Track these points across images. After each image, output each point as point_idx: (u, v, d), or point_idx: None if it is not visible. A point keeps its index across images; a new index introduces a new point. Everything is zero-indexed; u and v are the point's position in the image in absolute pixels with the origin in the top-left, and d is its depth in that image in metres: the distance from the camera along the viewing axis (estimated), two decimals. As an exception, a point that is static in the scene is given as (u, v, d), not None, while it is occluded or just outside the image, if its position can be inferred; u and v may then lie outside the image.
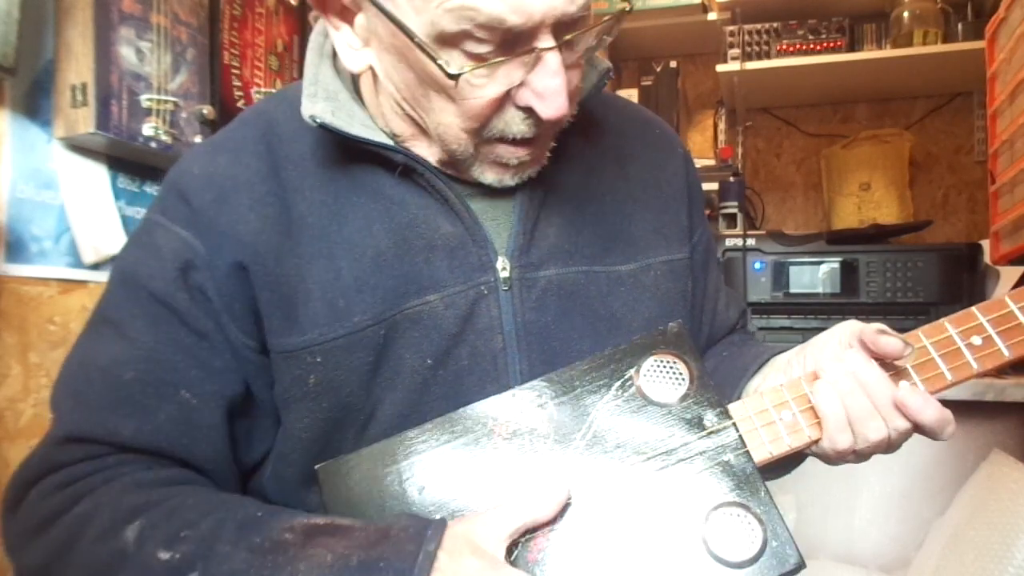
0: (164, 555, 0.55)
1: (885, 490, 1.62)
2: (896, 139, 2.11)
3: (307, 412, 0.67)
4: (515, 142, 0.64)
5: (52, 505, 0.61)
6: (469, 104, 0.60)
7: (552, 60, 0.58)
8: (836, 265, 1.73)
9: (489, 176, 0.68)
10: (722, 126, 2.32)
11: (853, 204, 2.11)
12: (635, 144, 0.81)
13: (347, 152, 0.69)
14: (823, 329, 0.67)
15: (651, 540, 0.57)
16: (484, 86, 0.59)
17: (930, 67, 1.96)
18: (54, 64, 1.25)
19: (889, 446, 0.61)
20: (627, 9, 0.62)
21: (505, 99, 0.61)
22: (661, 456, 0.60)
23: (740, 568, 0.55)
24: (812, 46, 1.99)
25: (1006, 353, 0.60)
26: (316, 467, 0.62)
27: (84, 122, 1.22)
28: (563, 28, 0.58)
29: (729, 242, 1.79)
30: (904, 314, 1.69)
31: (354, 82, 0.73)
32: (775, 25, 2.02)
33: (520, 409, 0.62)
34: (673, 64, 2.15)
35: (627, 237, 0.76)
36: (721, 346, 0.86)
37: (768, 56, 2.02)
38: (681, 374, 0.63)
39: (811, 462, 0.68)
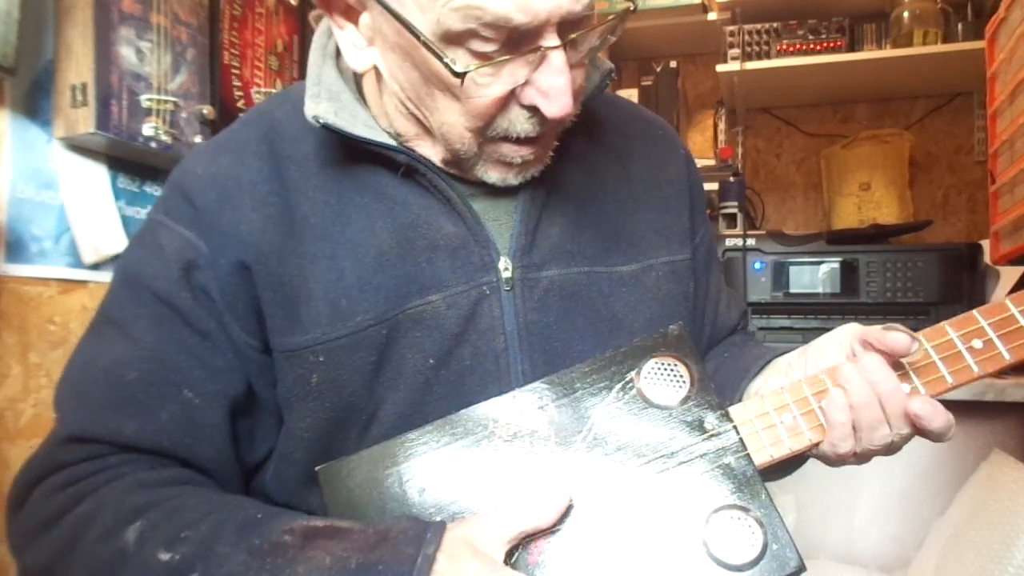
0: (164, 556, 0.55)
1: (885, 490, 1.62)
2: (896, 139, 2.11)
3: (309, 412, 0.67)
4: (519, 141, 0.64)
5: (55, 505, 0.61)
6: (474, 103, 0.60)
7: (557, 59, 0.58)
8: (836, 265, 1.73)
9: (492, 175, 0.68)
10: (722, 126, 2.32)
11: (853, 204, 2.11)
12: (637, 145, 0.81)
13: (350, 152, 0.69)
14: (823, 329, 0.67)
15: (651, 543, 0.57)
16: (489, 85, 0.59)
17: (930, 67, 1.96)
18: (54, 64, 1.25)
19: (890, 449, 0.62)
20: (631, 9, 0.62)
21: (509, 98, 0.61)
22: (661, 459, 0.60)
23: (740, 571, 0.55)
24: (812, 46, 1.98)
25: (1007, 357, 0.60)
26: (316, 469, 0.62)
27: (84, 122, 1.22)
28: (568, 27, 0.58)
29: (729, 242, 1.79)
30: (904, 314, 1.69)
31: (357, 82, 0.73)
32: (775, 25, 2.02)
33: (521, 411, 0.62)
34: (673, 64, 2.15)
35: (629, 238, 0.76)
36: (722, 347, 0.86)
37: (768, 56, 2.02)
38: (682, 376, 0.63)
39: (811, 462, 0.68)
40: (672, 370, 0.63)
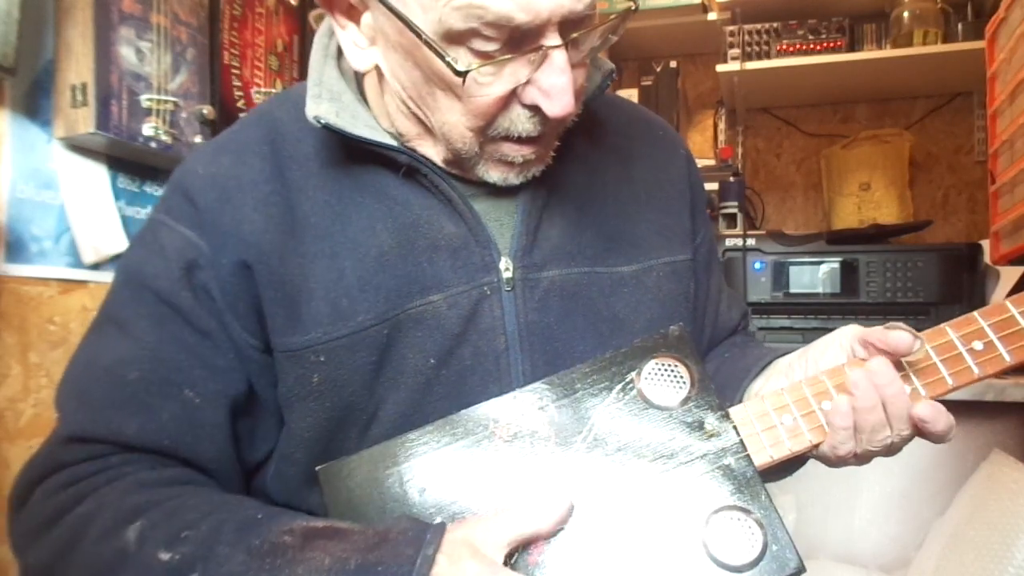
0: (164, 556, 0.55)
1: (885, 490, 1.62)
2: (896, 139, 2.11)
3: (310, 411, 0.67)
4: (520, 140, 0.64)
5: (56, 504, 0.61)
6: (475, 102, 0.61)
7: (559, 58, 0.58)
8: (836, 265, 1.73)
9: (494, 175, 0.68)
10: (722, 126, 2.32)
11: (853, 204, 2.11)
12: (638, 145, 0.81)
13: (351, 153, 0.69)
14: (823, 329, 0.67)
15: (651, 543, 0.57)
16: (491, 84, 0.59)
17: (930, 67, 1.96)
18: (54, 64, 1.25)
19: (890, 450, 0.62)
20: (633, 8, 0.63)
21: (511, 97, 0.61)
22: (662, 459, 0.60)
23: (740, 572, 0.55)
24: (812, 46, 1.98)
25: (1007, 358, 0.60)
26: (317, 468, 0.62)
27: (84, 122, 1.22)
28: (569, 26, 0.58)
29: (729, 242, 1.79)
30: (904, 314, 1.69)
31: (358, 83, 0.73)
32: (775, 25, 2.02)
33: (521, 411, 0.62)
34: (673, 64, 2.15)
35: (630, 238, 0.76)
36: (723, 348, 0.86)
37: (768, 56, 2.02)
38: (682, 377, 0.63)
39: (812, 462, 0.68)
40: (672, 371, 0.63)
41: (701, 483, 0.59)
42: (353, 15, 0.64)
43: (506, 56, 0.58)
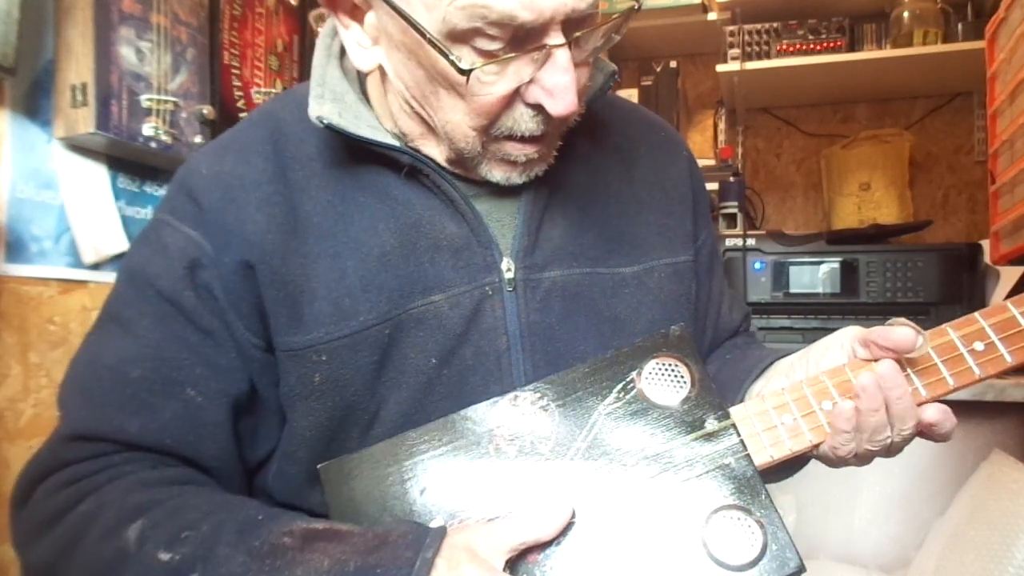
0: (164, 556, 0.55)
1: (885, 490, 1.62)
2: (896, 139, 2.11)
3: (312, 411, 0.67)
4: (523, 139, 0.64)
5: (57, 503, 0.61)
6: (479, 101, 0.61)
7: (562, 57, 0.58)
8: (836, 265, 1.73)
9: (497, 174, 0.68)
10: (722, 126, 2.32)
11: (853, 204, 2.11)
12: (640, 146, 0.81)
13: (353, 153, 0.69)
14: (823, 329, 0.67)
15: (651, 542, 0.57)
16: (494, 83, 0.60)
17: (930, 67, 1.96)
18: (54, 64, 1.25)
19: (890, 450, 0.62)
20: (635, 8, 0.63)
21: (514, 96, 0.61)
22: (662, 459, 0.60)
23: (740, 571, 0.55)
24: (812, 46, 1.98)
25: (1008, 359, 0.60)
26: (318, 467, 0.62)
27: (84, 122, 1.22)
28: (572, 25, 0.58)
29: (729, 242, 1.79)
30: (904, 314, 1.68)
31: (361, 83, 0.73)
32: (775, 25, 2.02)
33: (522, 411, 0.62)
34: (673, 64, 2.15)
35: (631, 239, 0.76)
36: (724, 349, 0.86)
37: (768, 56, 2.02)
38: (683, 377, 0.63)
39: (812, 462, 0.68)
40: (673, 370, 0.63)
41: (701, 483, 0.59)
42: (356, 15, 0.64)
43: (509, 55, 0.58)
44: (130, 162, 1.40)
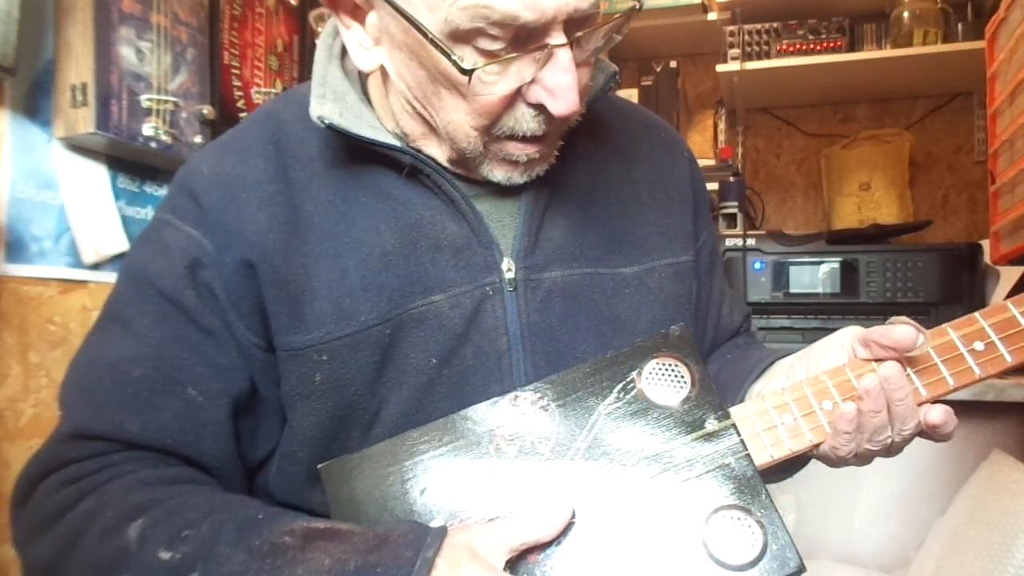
0: (165, 555, 0.55)
1: (885, 490, 1.62)
2: (896, 139, 2.11)
3: (313, 410, 0.67)
4: (524, 139, 0.64)
5: (58, 502, 0.61)
6: (481, 101, 0.61)
7: (564, 56, 0.58)
8: (836, 265, 1.73)
9: (498, 174, 0.68)
10: (722, 126, 2.32)
11: (853, 204, 2.11)
12: (641, 147, 0.81)
13: (354, 153, 0.69)
14: (823, 329, 0.67)
15: (651, 542, 0.57)
16: (496, 83, 0.60)
17: (930, 67, 1.96)
18: (54, 64, 1.25)
19: (890, 450, 0.62)
20: (637, 8, 0.63)
21: (516, 96, 0.61)
22: (662, 459, 0.60)
23: (740, 571, 0.55)
24: (812, 46, 1.98)
25: (1008, 359, 0.60)
26: (319, 466, 0.62)
27: (84, 122, 1.23)
28: (574, 25, 0.59)
29: (729, 242, 1.79)
30: (904, 314, 1.67)
31: (362, 83, 0.73)
32: (775, 25, 2.02)
33: (522, 411, 0.62)
34: (673, 64, 2.15)
35: (632, 239, 0.76)
36: (725, 349, 0.86)
37: (768, 56, 2.02)
38: (683, 377, 0.63)
39: (812, 462, 0.68)
40: (673, 370, 0.63)
41: (701, 482, 0.59)
42: (358, 15, 0.64)
43: (511, 55, 0.58)
44: (130, 162, 1.40)
